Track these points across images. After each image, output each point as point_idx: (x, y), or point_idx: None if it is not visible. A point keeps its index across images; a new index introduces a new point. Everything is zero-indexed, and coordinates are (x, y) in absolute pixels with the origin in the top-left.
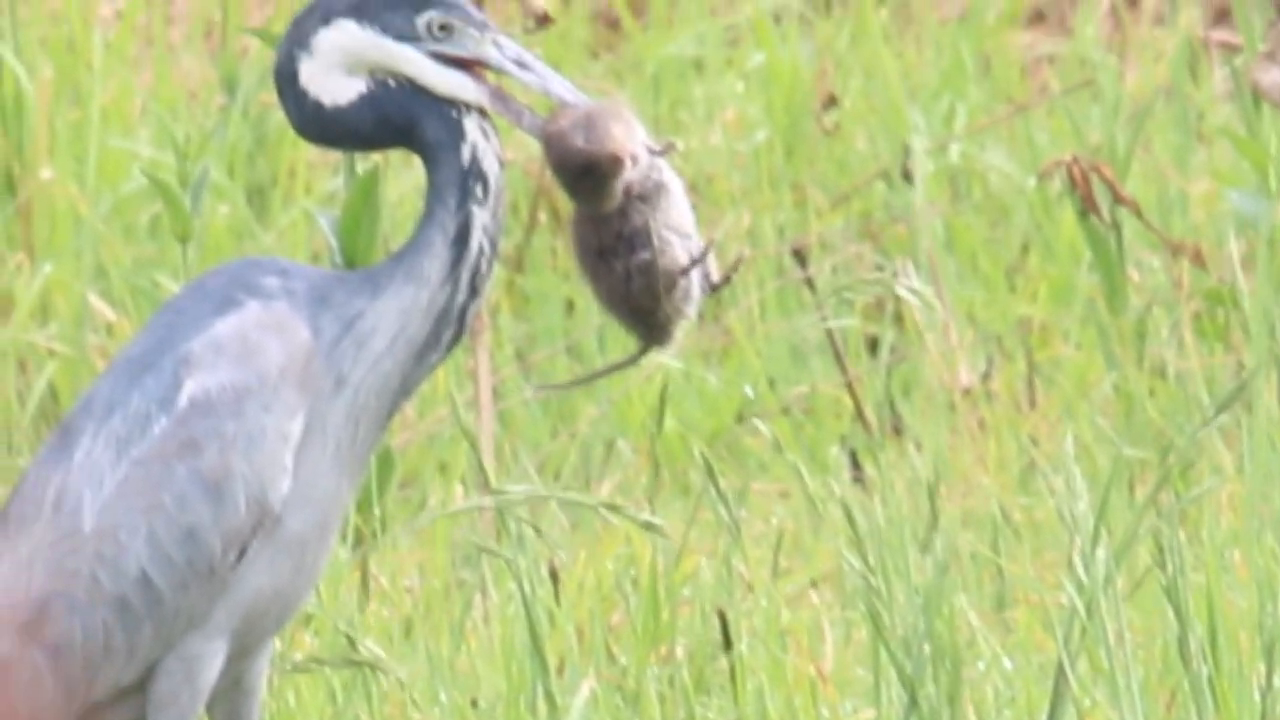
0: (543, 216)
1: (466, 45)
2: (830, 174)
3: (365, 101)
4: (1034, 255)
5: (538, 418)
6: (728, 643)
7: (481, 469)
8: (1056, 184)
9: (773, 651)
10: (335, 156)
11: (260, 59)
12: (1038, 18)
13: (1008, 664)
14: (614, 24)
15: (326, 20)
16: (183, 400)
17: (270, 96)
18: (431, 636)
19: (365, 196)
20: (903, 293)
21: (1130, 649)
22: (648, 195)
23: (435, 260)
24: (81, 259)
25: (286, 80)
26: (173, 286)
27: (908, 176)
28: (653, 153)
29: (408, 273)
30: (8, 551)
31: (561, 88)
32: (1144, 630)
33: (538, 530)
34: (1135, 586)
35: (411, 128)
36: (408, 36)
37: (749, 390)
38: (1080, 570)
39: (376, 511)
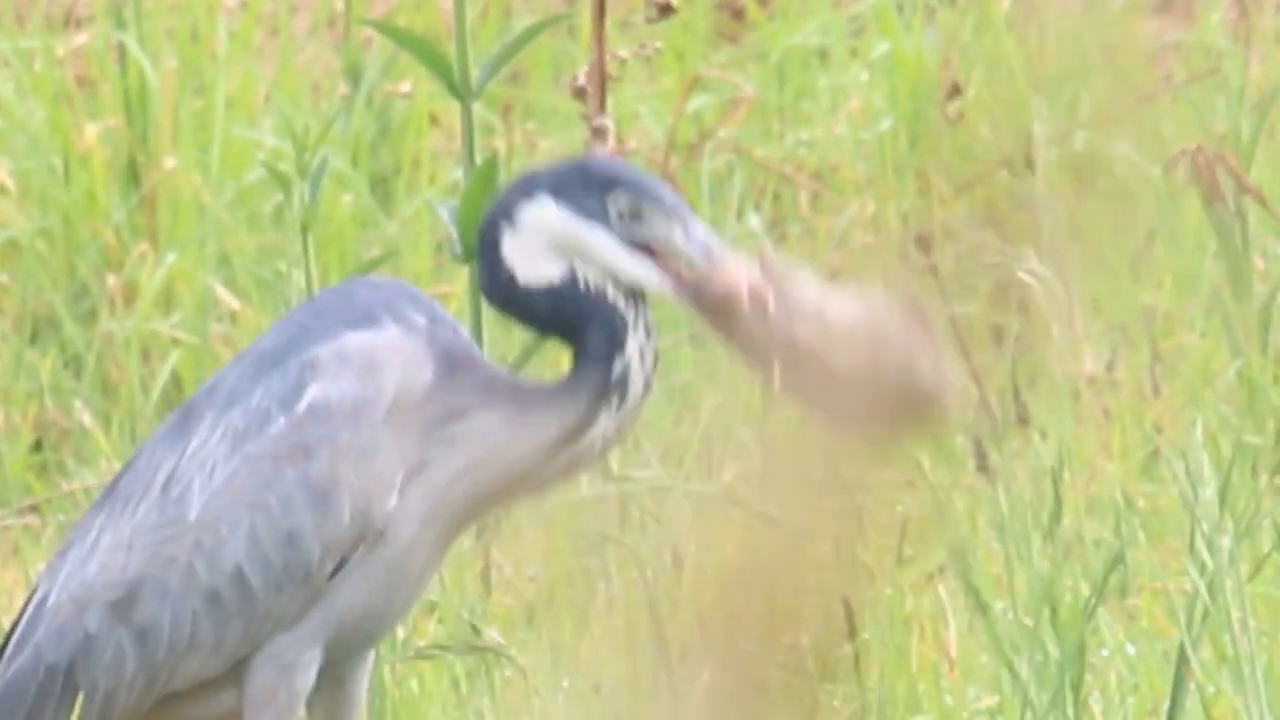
0: None
1: (655, 231)
2: (954, 162)
3: (550, 291)
4: (1159, 244)
5: (661, 405)
6: (852, 630)
7: None
8: (1182, 173)
9: (897, 639)
10: (459, 145)
11: (383, 49)
12: (1163, 6)
13: (1131, 650)
14: (738, 13)
15: (529, 194)
16: (302, 404)
17: (393, 85)
18: (554, 624)
19: (485, 186)
20: (1026, 277)
21: (1254, 634)
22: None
23: (540, 435)
24: (205, 248)
25: (489, 246)
26: (296, 275)
27: (1031, 165)
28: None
29: (509, 421)
30: (110, 528)
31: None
32: (1268, 615)
33: (659, 520)
34: (1257, 570)
35: (578, 329)
36: (599, 218)
37: None
38: (1204, 555)
39: None
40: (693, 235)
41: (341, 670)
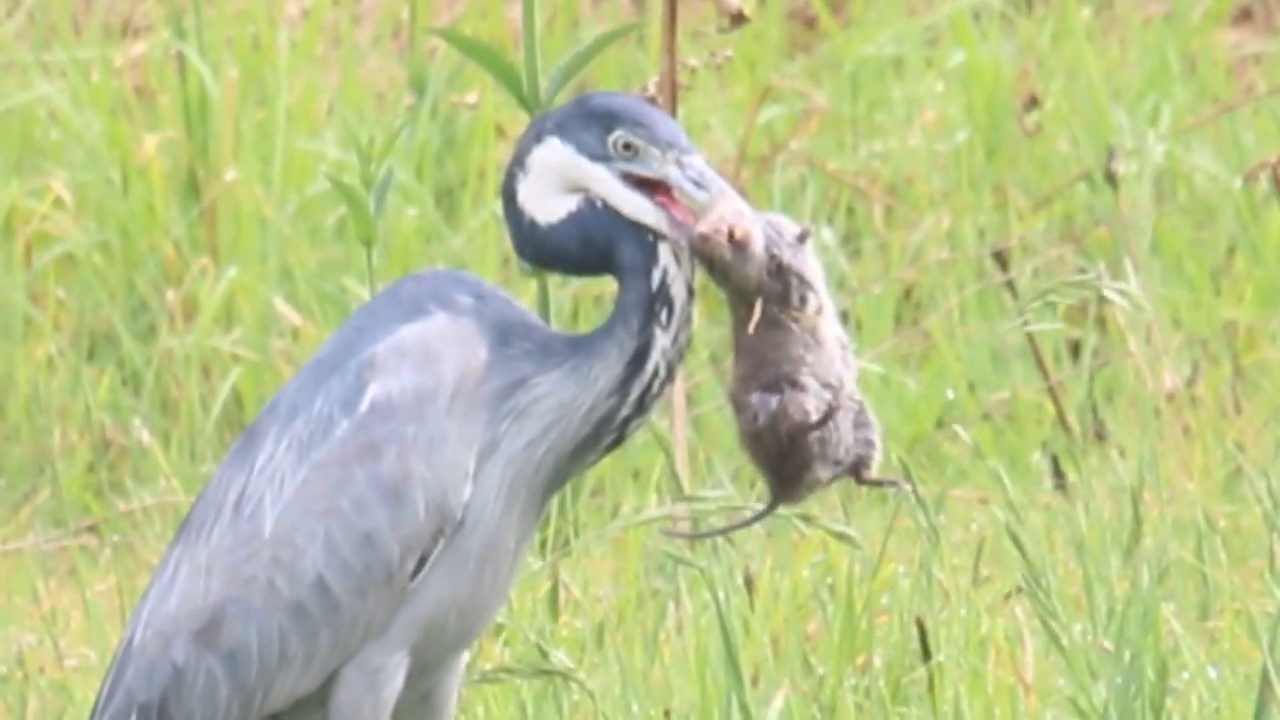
0: None
1: (651, 165)
2: (1032, 175)
3: (571, 221)
4: (1240, 257)
5: (733, 424)
6: (926, 652)
7: (674, 476)
8: (1263, 185)
9: (972, 661)
10: None
11: (449, 59)
12: (1244, 16)
13: (1212, 674)
14: (811, 23)
15: (539, 138)
16: (364, 404)
17: (459, 96)
18: (624, 646)
19: None
20: (1110, 294)
21: None
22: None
23: (607, 371)
24: (266, 262)
25: (508, 199)
26: (359, 290)
27: (1111, 178)
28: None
29: (574, 369)
30: (187, 558)
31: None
32: None
33: (730, 540)
34: None
35: (610, 250)
36: (600, 156)
37: (948, 395)
38: None
39: (569, 519)
40: (688, 169)
41: (429, 682)
